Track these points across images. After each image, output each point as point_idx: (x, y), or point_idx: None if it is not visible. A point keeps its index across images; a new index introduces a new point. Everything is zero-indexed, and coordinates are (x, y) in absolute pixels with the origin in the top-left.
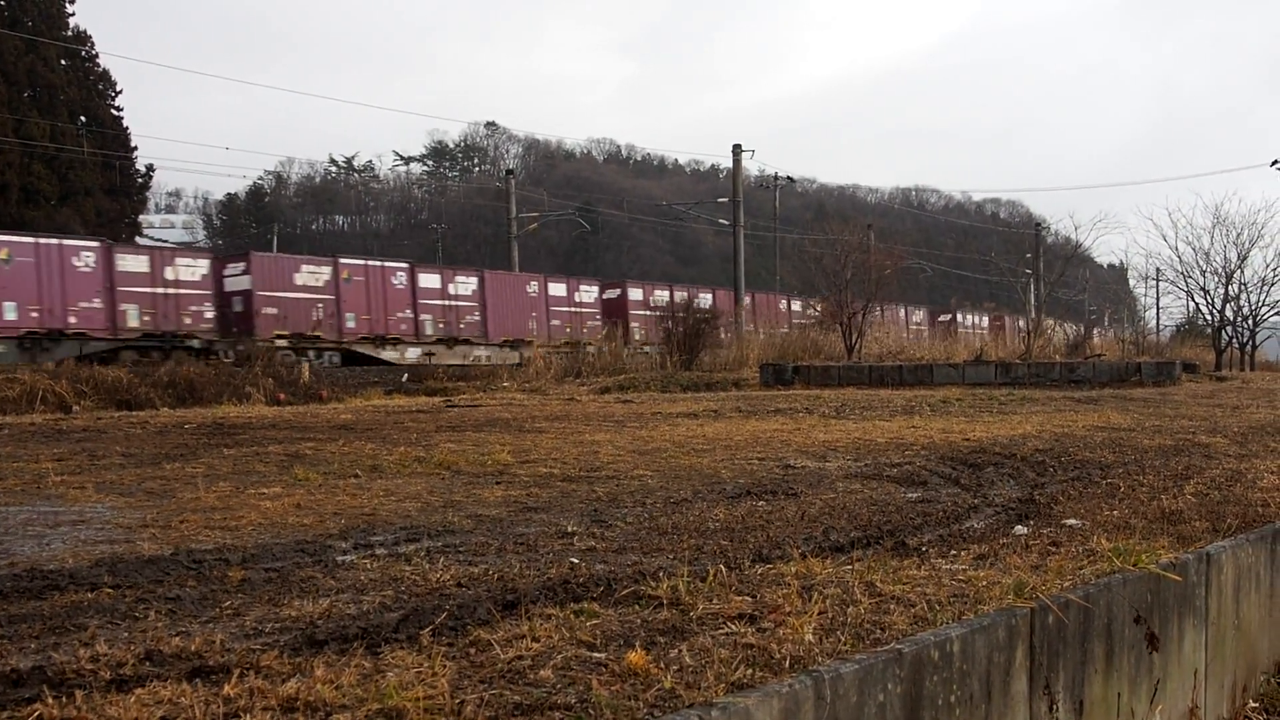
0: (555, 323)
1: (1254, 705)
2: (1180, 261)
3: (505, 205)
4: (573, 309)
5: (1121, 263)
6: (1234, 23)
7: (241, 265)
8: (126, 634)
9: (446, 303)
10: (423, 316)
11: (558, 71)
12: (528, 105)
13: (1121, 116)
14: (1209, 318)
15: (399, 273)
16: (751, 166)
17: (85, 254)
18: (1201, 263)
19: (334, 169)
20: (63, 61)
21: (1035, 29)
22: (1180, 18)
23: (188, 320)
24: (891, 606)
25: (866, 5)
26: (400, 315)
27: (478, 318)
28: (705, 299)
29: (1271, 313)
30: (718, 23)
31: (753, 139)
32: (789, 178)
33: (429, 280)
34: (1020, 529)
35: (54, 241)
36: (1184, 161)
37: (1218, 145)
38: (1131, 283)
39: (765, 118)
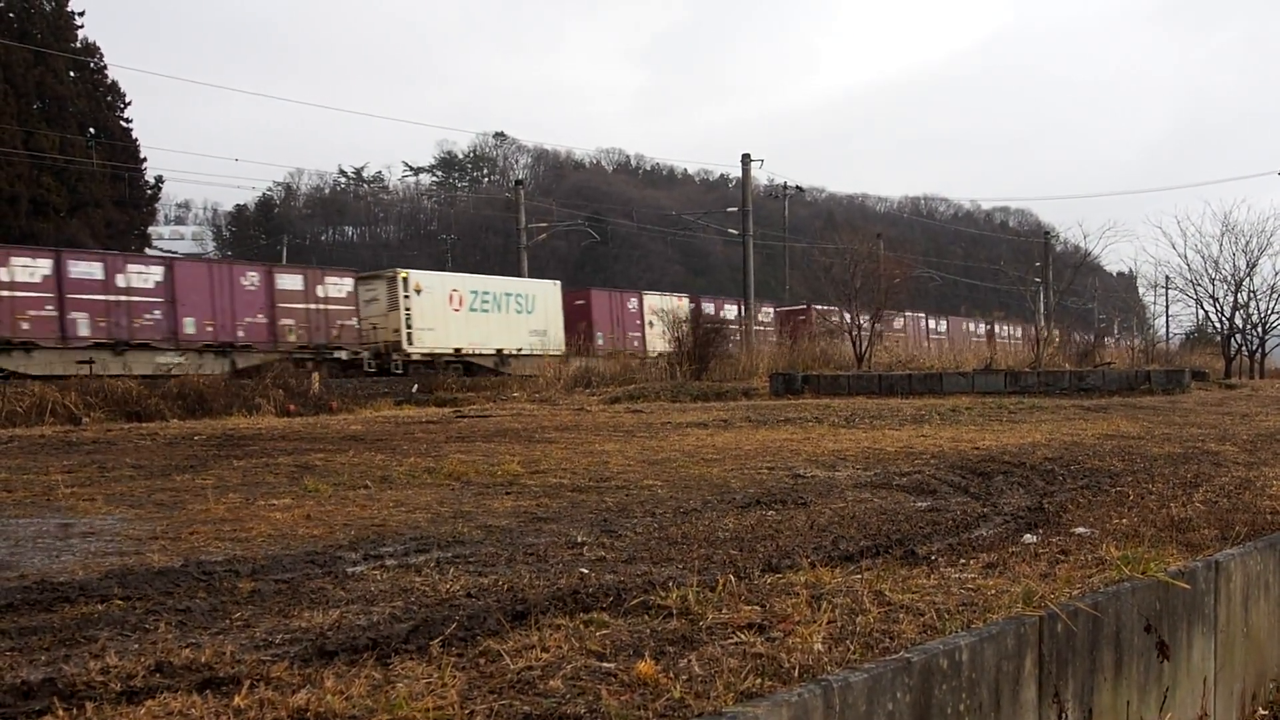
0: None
1: (1263, 713)
2: (1189, 269)
3: (514, 215)
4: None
5: (1131, 271)
6: (1268, 25)
7: None
8: (137, 646)
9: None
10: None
11: (572, 81)
12: (540, 115)
13: (1150, 121)
14: (1218, 325)
15: None
16: (761, 176)
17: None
18: (1210, 271)
19: (343, 180)
20: (71, 73)
21: (1063, 35)
22: (1213, 23)
23: None
24: (901, 615)
25: (889, 14)
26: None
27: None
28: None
29: None
30: (734, 33)
31: (764, 149)
32: (798, 187)
33: None
34: (1029, 537)
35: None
36: (1211, 167)
37: (1248, 149)
38: (1141, 291)
39: (778, 128)
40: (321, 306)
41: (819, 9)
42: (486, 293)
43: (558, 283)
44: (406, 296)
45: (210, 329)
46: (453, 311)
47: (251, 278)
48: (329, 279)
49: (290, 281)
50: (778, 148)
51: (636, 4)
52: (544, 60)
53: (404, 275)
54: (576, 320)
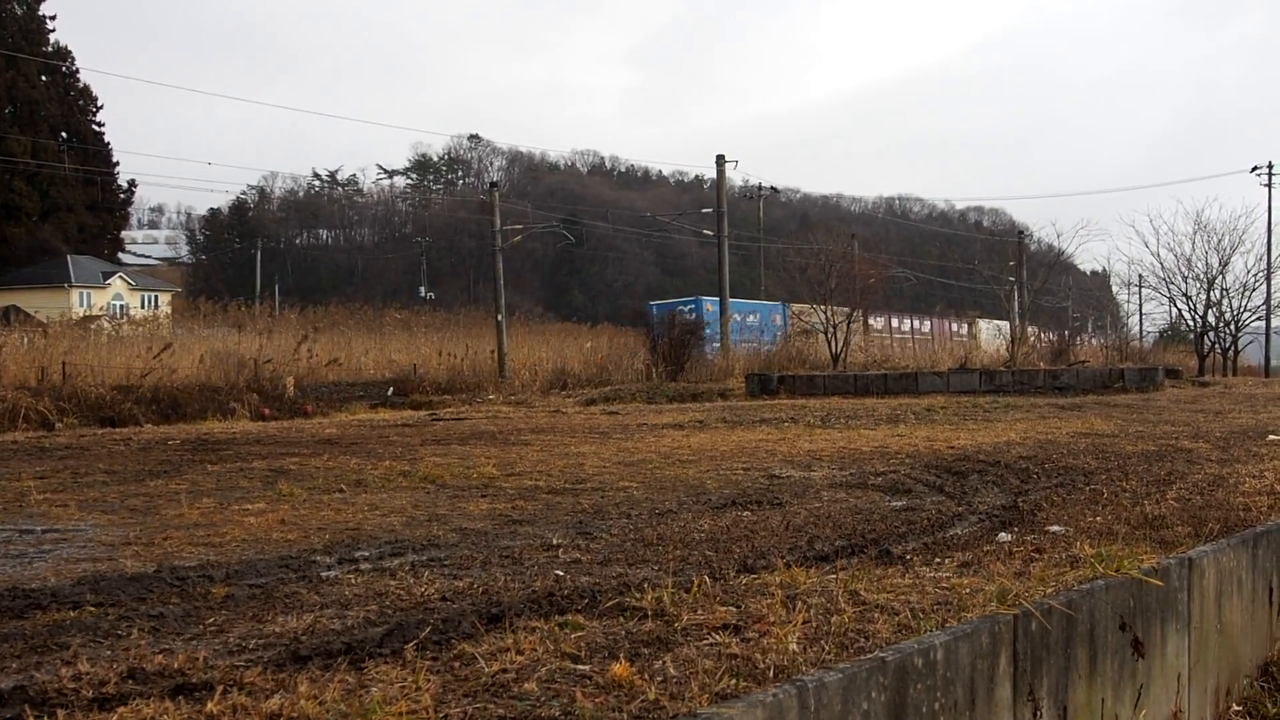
0: None
1: (1237, 709)
2: (1162, 268)
3: (489, 218)
4: None
5: (1104, 269)
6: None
7: None
8: (109, 652)
9: None
10: None
11: (556, 84)
12: (523, 118)
13: (1150, 120)
14: (1191, 323)
15: None
16: (735, 177)
17: None
18: (1183, 269)
19: (317, 183)
20: (43, 77)
21: (1061, 36)
22: (1224, 21)
23: None
24: (875, 615)
25: (882, 18)
26: None
27: None
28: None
29: (1253, 318)
30: (720, 38)
31: (744, 152)
32: (773, 188)
33: None
34: (1004, 536)
35: None
36: (1213, 166)
37: (1251, 146)
38: (1114, 289)
39: (758, 132)
40: None
41: (808, 14)
42: None
43: None
44: None
45: None
46: None
47: None
48: None
49: None
50: (757, 150)
51: (623, 8)
52: (529, 63)
53: None
54: None
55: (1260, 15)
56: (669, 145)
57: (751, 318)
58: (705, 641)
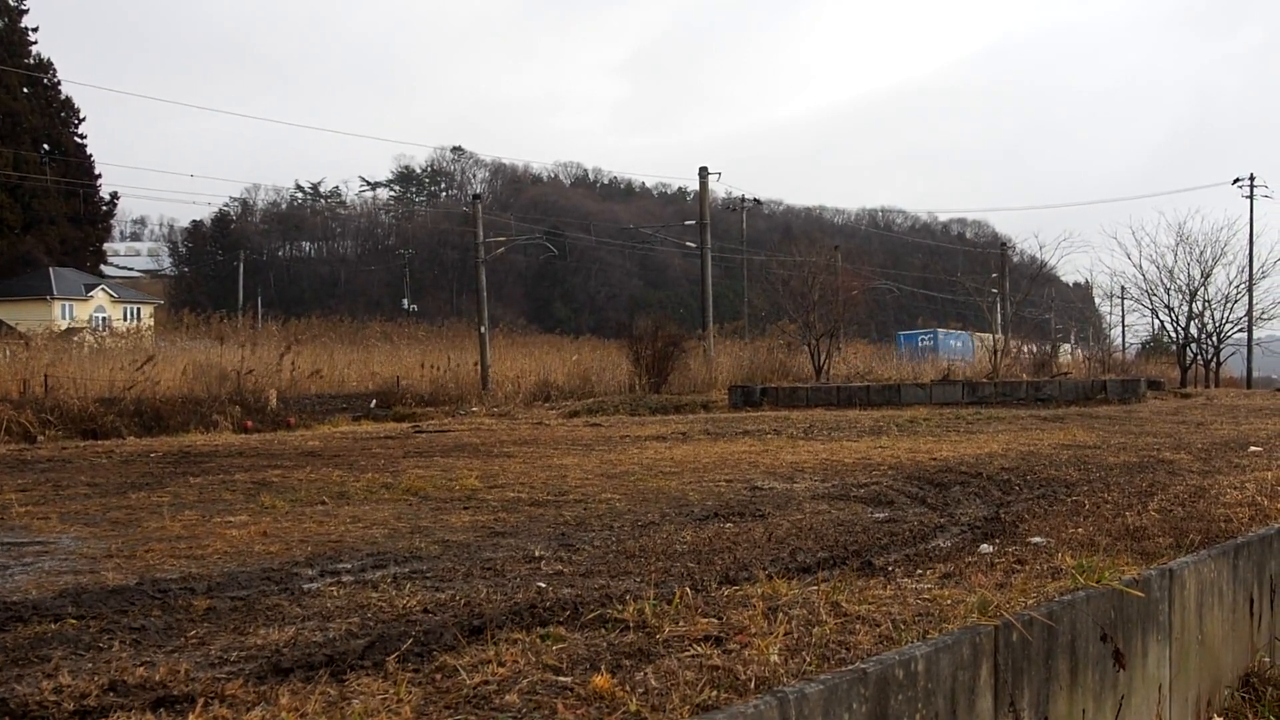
0: None
1: (1218, 719)
2: (1145, 279)
3: (472, 230)
4: None
5: (1087, 281)
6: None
7: None
8: (90, 665)
9: None
10: None
11: (540, 95)
12: (506, 129)
13: (1152, 128)
14: (1173, 335)
15: None
16: (719, 189)
17: None
18: (1166, 280)
19: (300, 195)
20: (24, 90)
21: (1065, 44)
22: (1227, 31)
23: None
24: (857, 626)
25: (874, 30)
26: None
27: None
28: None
29: (1235, 329)
30: (708, 52)
31: (730, 164)
32: (755, 200)
33: None
34: (986, 547)
35: None
36: (1206, 175)
37: (1248, 157)
38: (1097, 301)
39: (748, 144)
40: None
41: (801, 28)
42: None
43: None
44: None
45: None
46: None
47: None
48: None
49: None
50: (742, 163)
51: (614, 21)
52: (517, 76)
53: None
54: None
55: (1263, 24)
56: (656, 157)
57: (958, 343)
58: (687, 653)
